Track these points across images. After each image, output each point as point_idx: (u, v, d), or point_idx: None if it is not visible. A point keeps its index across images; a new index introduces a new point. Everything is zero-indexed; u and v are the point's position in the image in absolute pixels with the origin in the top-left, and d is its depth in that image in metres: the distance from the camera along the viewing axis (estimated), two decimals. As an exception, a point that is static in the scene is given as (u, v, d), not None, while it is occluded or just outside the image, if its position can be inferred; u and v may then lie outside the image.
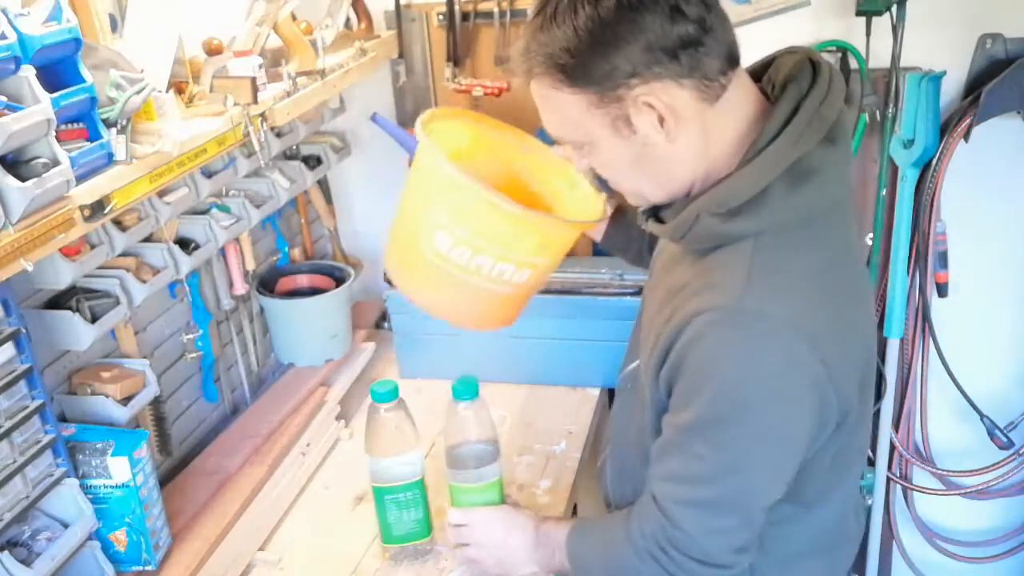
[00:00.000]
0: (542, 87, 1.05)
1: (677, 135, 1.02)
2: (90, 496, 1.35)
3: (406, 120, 2.14)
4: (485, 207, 1.23)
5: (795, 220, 1.03)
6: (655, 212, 1.16)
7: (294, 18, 1.71)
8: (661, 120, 1.01)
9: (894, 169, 1.91)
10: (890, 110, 1.85)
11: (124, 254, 1.47)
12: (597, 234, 1.52)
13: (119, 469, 1.36)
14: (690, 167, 1.06)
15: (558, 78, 1.02)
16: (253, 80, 1.49)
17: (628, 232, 1.48)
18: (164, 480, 1.61)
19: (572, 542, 1.28)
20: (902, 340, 2.00)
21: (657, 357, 1.10)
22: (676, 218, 1.07)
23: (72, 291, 1.40)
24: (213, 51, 1.48)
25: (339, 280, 2.03)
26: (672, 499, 1.13)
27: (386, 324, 2.16)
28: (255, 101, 1.49)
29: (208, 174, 1.65)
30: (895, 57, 1.80)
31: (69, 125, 1.16)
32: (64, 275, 1.32)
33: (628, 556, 1.18)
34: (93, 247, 1.38)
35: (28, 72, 1.06)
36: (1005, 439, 2.01)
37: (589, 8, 0.98)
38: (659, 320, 1.12)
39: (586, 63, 1.00)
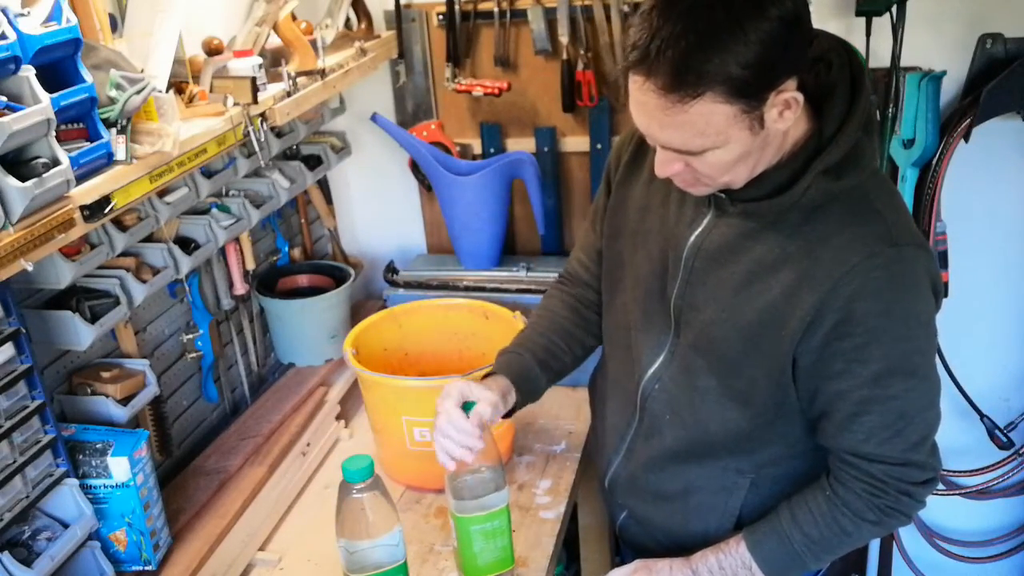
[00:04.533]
0: (707, 105, 1.00)
1: (787, 122, 1.06)
2: (90, 496, 1.35)
3: (406, 120, 2.14)
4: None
5: (875, 165, 1.17)
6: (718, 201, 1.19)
7: (294, 18, 1.71)
8: (782, 112, 1.04)
9: (894, 169, 1.91)
10: (890, 110, 1.85)
11: (124, 254, 1.47)
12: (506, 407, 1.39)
13: (119, 469, 1.36)
14: (778, 149, 1.11)
15: (727, 95, 0.99)
16: (253, 80, 1.49)
17: (532, 387, 1.42)
18: (164, 480, 1.61)
19: (760, 553, 1.24)
20: (902, 340, 2.00)
21: (795, 329, 1.13)
22: (790, 189, 1.11)
23: (72, 291, 1.40)
24: (213, 51, 1.48)
25: (339, 280, 2.03)
26: (885, 451, 1.16)
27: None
28: (255, 101, 1.49)
29: (208, 174, 1.65)
30: (895, 57, 1.80)
31: (69, 125, 1.16)
32: (64, 275, 1.32)
33: (844, 528, 1.20)
34: (93, 247, 1.38)
35: (28, 72, 1.06)
36: (1005, 439, 2.01)
37: (763, 22, 0.97)
38: (767, 295, 1.14)
39: (760, 75, 0.99)
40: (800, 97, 1.04)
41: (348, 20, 1.97)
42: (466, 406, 1.30)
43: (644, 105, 1.03)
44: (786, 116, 1.05)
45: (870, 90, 1.13)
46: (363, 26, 1.99)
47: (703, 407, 1.26)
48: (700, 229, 1.22)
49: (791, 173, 1.11)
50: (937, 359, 1.94)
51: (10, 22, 1.04)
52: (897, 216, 1.14)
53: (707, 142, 1.04)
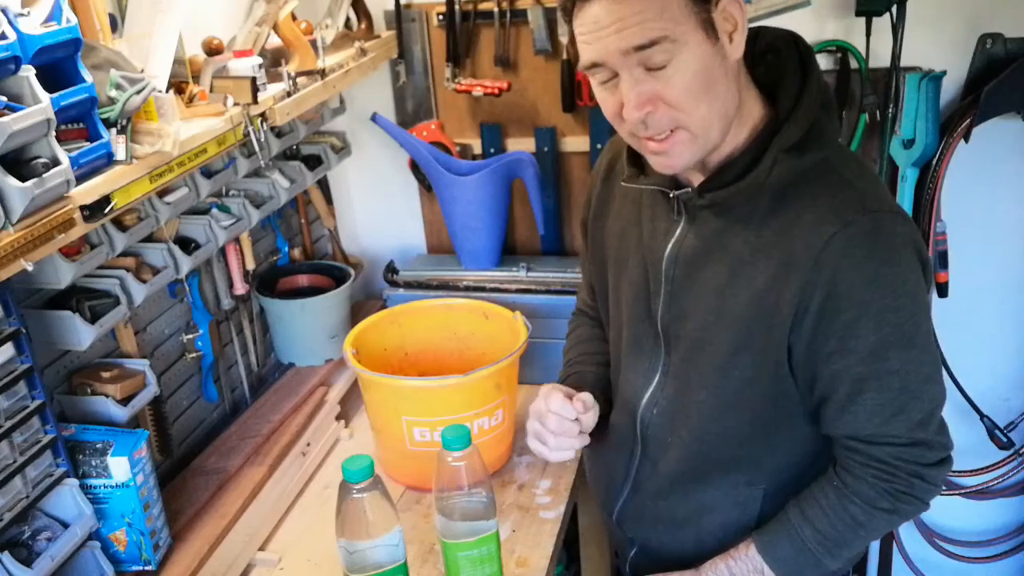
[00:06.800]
0: None
1: (737, 50, 1.06)
2: (90, 496, 1.35)
3: (406, 120, 2.14)
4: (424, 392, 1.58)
5: (838, 139, 1.16)
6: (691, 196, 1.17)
7: (294, 18, 1.71)
8: (731, 34, 1.05)
9: (894, 169, 1.91)
10: (890, 110, 1.85)
11: (124, 254, 1.47)
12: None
13: (119, 469, 1.36)
14: (735, 102, 1.10)
15: None
16: (253, 80, 1.49)
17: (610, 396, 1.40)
18: (164, 480, 1.61)
19: (772, 555, 1.20)
20: (902, 340, 2.00)
21: (786, 316, 1.11)
22: (754, 171, 1.10)
23: (72, 291, 1.40)
24: (213, 51, 1.48)
25: (339, 280, 2.03)
26: (889, 430, 1.13)
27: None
28: (255, 101, 1.49)
29: (208, 174, 1.65)
30: (895, 57, 1.80)
31: (69, 125, 1.16)
32: (64, 275, 1.32)
33: (856, 519, 1.16)
34: (93, 247, 1.38)
35: (28, 72, 1.06)
36: (1005, 439, 2.01)
37: None
38: (752, 288, 1.13)
39: None
40: (741, 19, 1.05)
41: (348, 20, 1.97)
42: (456, 439, 1.24)
43: (597, 21, 1.02)
44: (736, 40, 1.06)
45: (820, 68, 1.13)
46: (363, 26, 1.99)
47: (700, 420, 1.23)
48: (675, 238, 1.20)
49: (754, 156, 1.11)
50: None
51: (10, 22, 1.04)
52: (868, 185, 1.13)
53: (666, 26, 1.01)
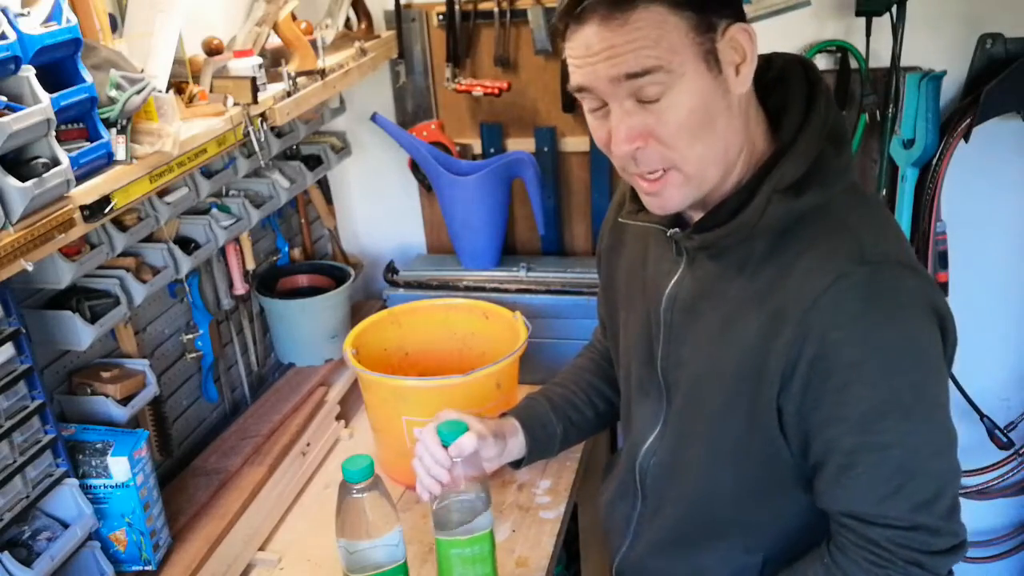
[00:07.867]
0: (650, 11, 0.94)
1: (744, 83, 1.00)
2: (90, 496, 1.35)
3: (406, 120, 2.14)
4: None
5: (848, 180, 1.05)
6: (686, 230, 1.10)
7: (294, 18, 1.71)
8: (737, 68, 0.98)
9: (894, 169, 1.91)
10: (890, 110, 1.85)
11: (124, 254, 1.47)
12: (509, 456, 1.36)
13: (119, 469, 1.36)
14: (738, 141, 1.02)
15: (672, 4, 0.94)
16: (253, 80, 1.49)
17: (545, 434, 1.38)
18: (164, 480, 1.61)
19: None
20: (902, 340, 2.00)
21: (773, 373, 1.02)
22: (744, 211, 1.02)
23: (72, 291, 1.40)
24: (213, 51, 1.48)
25: (339, 280, 2.03)
26: (886, 511, 1.01)
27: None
28: (255, 101, 1.49)
29: (208, 174, 1.65)
30: (895, 57, 1.81)
31: (69, 125, 1.16)
32: (64, 275, 1.32)
33: None
34: (93, 247, 1.38)
35: (28, 72, 1.06)
36: (1005, 439, 2.01)
37: None
38: (742, 342, 1.04)
39: None
40: (751, 30, 0.97)
41: (348, 20, 1.97)
42: (452, 434, 1.25)
43: (589, 46, 0.97)
44: (743, 73, 0.98)
45: (829, 98, 1.05)
46: (363, 26, 1.99)
47: (695, 477, 1.16)
48: (675, 280, 1.14)
49: (748, 194, 1.02)
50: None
51: (10, 22, 1.04)
52: (874, 231, 1.02)
53: (662, 55, 0.94)
